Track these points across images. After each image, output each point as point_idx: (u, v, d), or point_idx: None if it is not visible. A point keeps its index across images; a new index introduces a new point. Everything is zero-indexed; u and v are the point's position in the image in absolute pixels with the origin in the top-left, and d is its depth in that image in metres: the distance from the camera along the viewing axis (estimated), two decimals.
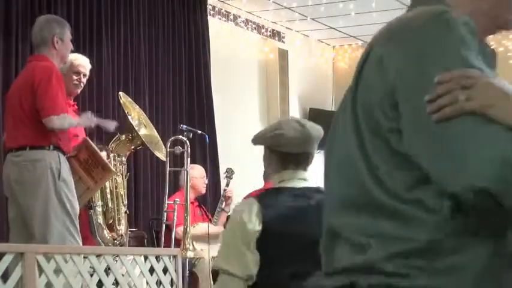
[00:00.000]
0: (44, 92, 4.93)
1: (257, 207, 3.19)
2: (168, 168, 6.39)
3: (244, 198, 8.22)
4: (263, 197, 3.26)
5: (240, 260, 3.19)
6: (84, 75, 5.64)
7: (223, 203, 7.57)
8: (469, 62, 1.40)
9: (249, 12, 9.98)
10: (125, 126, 6.02)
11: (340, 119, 1.54)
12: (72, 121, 5.13)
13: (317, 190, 3.19)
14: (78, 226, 5.06)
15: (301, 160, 3.25)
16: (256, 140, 3.31)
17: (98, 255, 4.49)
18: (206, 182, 7.59)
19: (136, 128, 5.95)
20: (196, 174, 7.38)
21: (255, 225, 3.17)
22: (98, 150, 5.43)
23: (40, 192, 4.92)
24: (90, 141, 5.45)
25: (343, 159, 1.52)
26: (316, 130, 3.23)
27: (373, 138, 1.45)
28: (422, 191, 1.40)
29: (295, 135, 3.20)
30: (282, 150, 3.23)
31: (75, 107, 5.69)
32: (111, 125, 5.57)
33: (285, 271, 3.12)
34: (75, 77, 5.55)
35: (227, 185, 7.71)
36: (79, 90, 5.69)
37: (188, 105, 8.78)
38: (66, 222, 4.95)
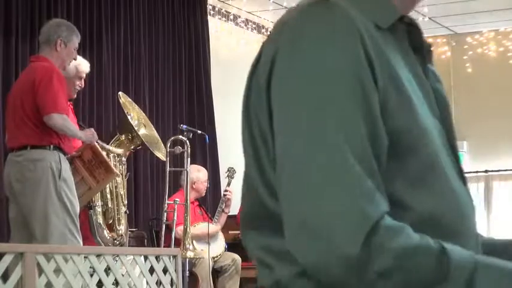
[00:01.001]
0: (45, 90, 4.94)
1: None
2: (168, 168, 6.40)
3: None
4: None
5: None
6: (85, 79, 5.71)
7: (224, 204, 7.57)
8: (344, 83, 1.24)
9: (249, 12, 9.98)
10: (125, 126, 6.03)
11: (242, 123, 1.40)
12: (73, 128, 5.13)
13: None
14: (78, 225, 5.07)
15: None
16: None
17: (98, 255, 4.49)
18: (207, 185, 7.61)
19: (136, 128, 5.95)
20: (202, 178, 7.39)
21: None
22: (102, 152, 5.44)
23: (40, 191, 4.93)
24: (95, 142, 5.45)
25: (245, 169, 1.40)
26: None
27: (264, 147, 1.32)
28: None
29: None
30: None
31: (71, 107, 5.70)
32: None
33: None
34: (77, 82, 5.58)
35: (228, 184, 7.71)
36: (75, 94, 5.71)
37: (188, 105, 8.78)
38: (66, 222, 4.95)
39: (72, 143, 5.32)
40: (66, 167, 5.04)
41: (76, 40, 5.24)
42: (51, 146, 5.01)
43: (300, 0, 1.34)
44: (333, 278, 1.20)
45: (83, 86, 5.68)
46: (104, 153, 5.48)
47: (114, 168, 5.54)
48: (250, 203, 1.37)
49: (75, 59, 5.30)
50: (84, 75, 5.65)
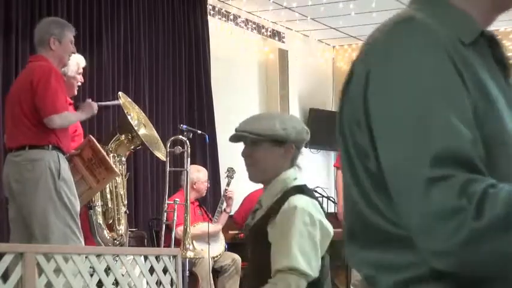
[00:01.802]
0: (44, 91, 4.94)
1: (319, 206, 3.09)
2: (168, 168, 6.39)
3: (246, 197, 8.24)
4: (311, 194, 3.13)
5: (317, 262, 3.03)
6: (84, 77, 5.73)
7: (224, 203, 7.56)
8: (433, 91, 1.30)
9: (249, 12, 9.98)
10: (125, 126, 6.02)
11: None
12: (73, 118, 5.13)
13: None
14: (79, 224, 5.07)
15: None
16: (293, 135, 3.16)
17: (98, 255, 4.49)
18: (208, 185, 7.60)
19: (135, 128, 5.95)
20: (202, 178, 7.39)
21: (329, 226, 3.09)
22: (102, 150, 5.44)
23: (40, 191, 4.92)
24: (95, 140, 5.45)
25: (344, 184, 1.46)
26: None
27: (360, 162, 1.39)
28: None
29: None
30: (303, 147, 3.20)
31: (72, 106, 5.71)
32: (114, 102, 5.68)
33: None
34: (78, 78, 5.61)
35: (228, 184, 7.71)
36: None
37: (188, 105, 8.78)
38: (67, 221, 4.95)
39: (71, 143, 5.32)
40: (65, 166, 5.04)
41: (70, 34, 5.23)
42: (50, 146, 5.01)
43: (386, 20, 1.41)
44: (467, 254, 1.25)
45: (82, 81, 5.71)
46: (103, 152, 5.47)
47: (114, 167, 5.53)
48: (350, 215, 1.43)
49: (74, 53, 5.30)
50: (82, 70, 5.70)
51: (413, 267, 1.34)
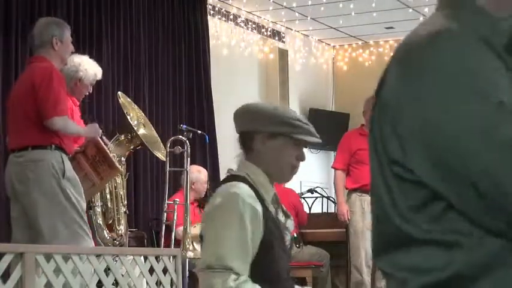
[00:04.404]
0: (46, 93, 4.94)
1: None
2: (168, 168, 6.39)
3: None
4: None
5: None
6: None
7: None
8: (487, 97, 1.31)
9: (249, 12, 9.99)
10: (124, 126, 6.03)
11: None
12: (74, 128, 5.13)
13: None
14: (86, 221, 5.09)
15: None
16: None
17: (98, 255, 4.49)
18: (207, 186, 7.60)
19: (135, 128, 5.95)
20: (202, 179, 7.38)
21: None
22: (106, 148, 5.45)
23: (43, 192, 4.93)
24: (99, 138, 5.46)
25: (372, 192, 1.48)
26: None
27: (394, 178, 1.40)
28: (447, 220, 1.36)
29: None
30: None
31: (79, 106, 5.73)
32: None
33: None
34: (90, 87, 5.62)
35: None
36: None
37: (188, 105, 8.79)
38: (75, 218, 4.96)
39: (74, 142, 5.33)
40: (69, 166, 5.05)
41: (68, 33, 5.25)
42: (53, 146, 5.01)
43: (422, 24, 1.44)
44: None
45: (90, 91, 5.71)
46: (107, 150, 5.48)
47: (117, 164, 5.54)
48: (382, 231, 1.46)
49: (73, 52, 5.32)
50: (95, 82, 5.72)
51: (438, 271, 1.36)
